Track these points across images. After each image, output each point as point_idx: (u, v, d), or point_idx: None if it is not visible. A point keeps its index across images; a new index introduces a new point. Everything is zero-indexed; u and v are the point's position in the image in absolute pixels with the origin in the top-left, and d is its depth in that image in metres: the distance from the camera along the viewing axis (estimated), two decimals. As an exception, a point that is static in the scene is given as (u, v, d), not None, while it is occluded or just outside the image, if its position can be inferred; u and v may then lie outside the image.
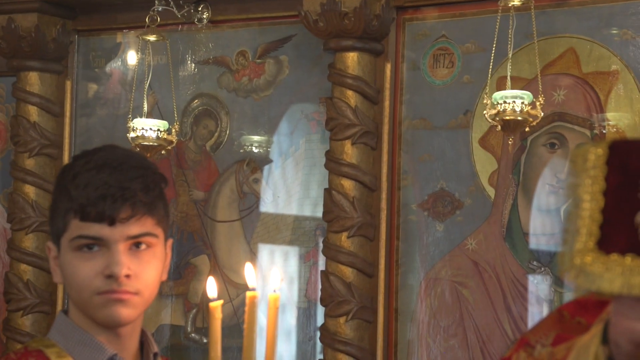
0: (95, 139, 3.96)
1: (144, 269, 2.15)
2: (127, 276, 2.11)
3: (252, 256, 3.90)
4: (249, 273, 1.92)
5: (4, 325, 3.70)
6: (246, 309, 1.89)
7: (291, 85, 3.93)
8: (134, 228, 2.13)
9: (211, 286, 1.96)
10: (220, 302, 1.91)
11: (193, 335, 3.89)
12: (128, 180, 2.13)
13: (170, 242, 2.25)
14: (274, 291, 1.88)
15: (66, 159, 3.84)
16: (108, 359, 2.21)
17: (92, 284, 2.12)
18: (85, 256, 2.14)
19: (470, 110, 3.64)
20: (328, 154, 3.67)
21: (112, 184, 2.11)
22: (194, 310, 3.91)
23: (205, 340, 3.87)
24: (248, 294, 1.88)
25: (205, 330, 3.86)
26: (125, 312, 2.14)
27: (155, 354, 2.28)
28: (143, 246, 2.15)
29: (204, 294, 3.90)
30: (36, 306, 3.69)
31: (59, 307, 3.76)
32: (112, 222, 2.11)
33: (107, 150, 2.23)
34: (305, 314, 3.82)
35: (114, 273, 2.10)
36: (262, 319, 3.32)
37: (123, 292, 2.11)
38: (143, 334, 2.28)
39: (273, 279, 1.92)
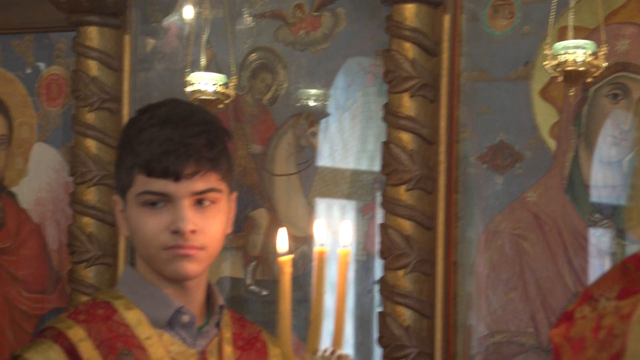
0: (153, 93, 3.96)
1: (209, 224, 2.15)
2: (193, 231, 2.11)
3: (310, 210, 3.89)
4: (319, 229, 1.91)
5: (68, 277, 3.73)
6: (315, 263, 1.88)
7: (348, 38, 3.90)
8: (199, 184, 2.13)
9: (282, 239, 1.95)
10: (291, 256, 1.91)
11: (252, 287, 3.90)
12: (191, 136, 2.13)
13: (234, 195, 2.25)
14: (344, 246, 1.88)
15: (126, 113, 3.85)
16: (175, 312, 2.22)
17: (158, 240, 2.13)
18: (151, 212, 2.14)
19: (531, 62, 3.58)
20: (386, 107, 3.63)
21: (176, 140, 2.11)
22: (253, 263, 3.92)
23: (264, 293, 3.88)
24: (316, 249, 1.88)
25: (264, 283, 3.87)
26: (191, 267, 2.14)
27: (221, 306, 2.29)
28: (207, 202, 2.16)
29: (263, 246, 3.90)
30: (99, 258, 3.71)
31: (121, 259, 3.78)
32: (177, 178, 2.11)
33: (170, 105, 2.23)
34: (363, 267, 3.81)
35: (180, 229, 2.10)
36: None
37: (189, 248, 2.12)
38: (209, 286, 2.29)
39: (344, 234, 1.91)
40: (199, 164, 2.12)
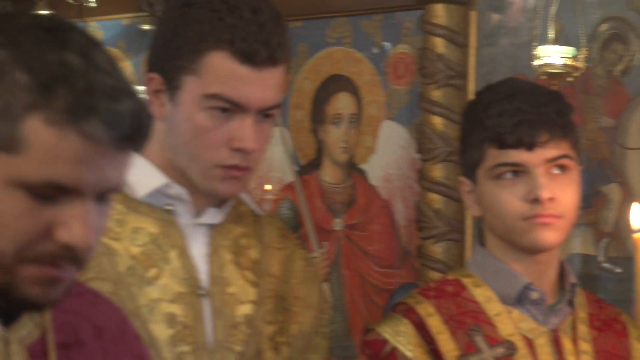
0: (499, 68, 3.89)
1: (565, 192, 2.17)
2: (551, 199, 2.14)
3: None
4: (636, 214, 1.84)
5: (417, 253, 3.76)
6: (635, 253, 1.78)
7: None
8: (553, 151, 2.14)
9: (636, 215, 1.87)
10: (645, 233, 1.80)
11: (605, 264, 3.75)
12: (542, 105, 2.14)
13: (579, 168, 2.25)
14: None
15: (471, 89, 3.81)
16: (523, 288, 2.22)
17: (516, 210, 2.15)
18: (506, 183, 2.18)
19: None
20: None
21: (527, 110, 2.13)
22: (606, 240, 3.77)
23: (617, 270, 3.72)
24: (635, 235, 1.78)
25: (618, 260, 3.71)
26: (549, 236, 2.15)
27: (572, 284, 2.26)
28: (560, 170, 2.15)
29: (616, 222, 3.75)
30: (447, 234, 3.70)
31: (469, 235, 3.76)
32: (530, 146, 2.14)
33: (511, 81, 2.31)
34: None
35: (538, 197, 2.13)
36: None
37: (548, 216, 2.14)
38: (561, 264, 2.27)
39: (635, 216, 1.81)
40: (552, 131, 2.12)
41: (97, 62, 1.41)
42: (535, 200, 2.12)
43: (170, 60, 2.04)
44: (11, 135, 1.37)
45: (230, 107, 2.03)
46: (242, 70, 2.00)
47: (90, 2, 4.29)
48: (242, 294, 2.15)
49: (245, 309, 2.15)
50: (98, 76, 1.40)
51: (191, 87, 2.04)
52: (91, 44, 1.43)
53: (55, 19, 1.46)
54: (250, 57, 1.99)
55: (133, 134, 1.42)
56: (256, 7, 2.01)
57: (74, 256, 1.42)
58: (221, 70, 2.01)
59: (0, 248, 1.39)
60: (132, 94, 1.43)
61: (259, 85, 2.02)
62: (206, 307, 2.11)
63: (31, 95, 1.38)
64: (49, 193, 1.39)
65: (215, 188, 2.07)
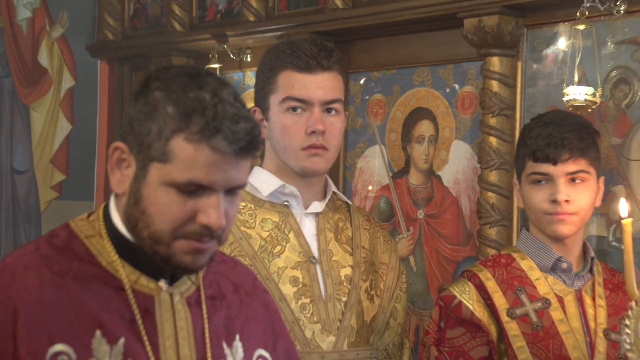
0: (538, 102, 3.90)
1: (579, 196, 2.17)
2: (567, 201, 2.14)
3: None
4: (622, 206, 1.89)
5: (477, 235, 3.79)
6: (623, 234, 1.82)
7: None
8: (572, 166, 2.16)
9: (623, 207, 1.91)
10: (630, 219, 1.86)
11: (613, 243, 3.73)
12: (567, 132, 2.18)
13: (602, 178, 2.24)
14: (625, 218, 1.83)
15: (518, 117, 3.83)
16: (556, 260, 2.24)
17: (542, 208, 2.21)
18: (537, 187, 2.22)
19: None
20: None
21: (555, 135, 2.16)
22: (614, 225, 3.75)
23: (622, 247, 3.69)
24: (623, 222, 1.83)
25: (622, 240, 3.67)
26: (564, 228, 2.17)
27: (592, 258, 2.26)
28: (578, 180, 2.16)
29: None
30: (499, 222, 3.73)
31: (515, 222, 3.77)
32: (555, 162, 2.14)
33: (553, 113, 2.29)
34: None
35: (557, 198, 2.14)
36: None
37: (563, 214, 2.15)
38: (584, 244, 2.27)
39: (622, 209, 1.85)
40: (571, 151, 2.15)
41: (223, 97, 1.47)
42: (555, 202, 2.14)
43: (259, 91, 2.16)
44: (164, 151, 1.46)
45: (299, 105, 2.11)
46: (301, 76, 2.11)
47: (247, 57, 4.41)
48: (343, 261, 2.20)
49: (346, 271, 2.19)
50: (223, 107, 1.46)
51: (274, 101, 2.14)
52: (221, 85, 1.51)
53: (197, 68, 1.55)
54: (305, 67, 2.11)
55: (248, 146, 1.47)
56: (311, 41, 2.15)
57: (212, 234, 1.48)
58: (287, 80, 2.12)
59: (161, 229, 1.48)
60: (248, 118, 1.49)
61: (316, 85, 2.11)
62: (318, 271, 2.16)
63: (175, 122, 1.46)
64: (191, 189, 1.46)
65: (304, 166, 2.12)
